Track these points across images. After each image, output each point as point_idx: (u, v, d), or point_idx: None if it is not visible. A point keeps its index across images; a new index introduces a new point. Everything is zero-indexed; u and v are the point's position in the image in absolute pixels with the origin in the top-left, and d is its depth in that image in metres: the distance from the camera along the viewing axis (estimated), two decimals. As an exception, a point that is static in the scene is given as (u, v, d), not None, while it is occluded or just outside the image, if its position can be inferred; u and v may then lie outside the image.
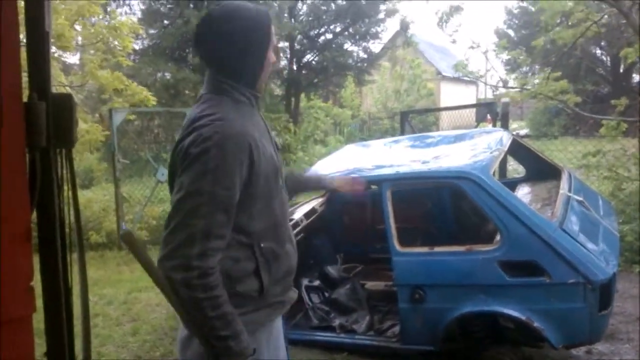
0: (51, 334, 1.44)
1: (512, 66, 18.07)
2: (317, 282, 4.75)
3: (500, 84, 8.93)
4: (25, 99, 1.29)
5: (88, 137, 8.15)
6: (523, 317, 3.18)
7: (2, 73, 1.13)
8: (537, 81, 8.02)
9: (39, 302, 1.36)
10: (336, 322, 4.12)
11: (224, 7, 1.69)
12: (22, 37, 1.31)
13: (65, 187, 1.58)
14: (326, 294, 4.60)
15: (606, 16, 7.46)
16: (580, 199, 3.71)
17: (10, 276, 1.14)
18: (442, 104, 24.22)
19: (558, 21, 7.35)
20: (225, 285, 1.59)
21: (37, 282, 1.29)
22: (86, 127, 8.52)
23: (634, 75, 21.06)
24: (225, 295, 1.57)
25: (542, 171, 4.44)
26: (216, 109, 1.64)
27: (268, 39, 1.70)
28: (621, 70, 21.04)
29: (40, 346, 1.40)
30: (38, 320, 1.36)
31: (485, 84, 9.76)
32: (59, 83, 8.43)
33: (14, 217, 1.15)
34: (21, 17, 1.32)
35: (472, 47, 8.54)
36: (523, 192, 4.21)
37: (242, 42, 1.65)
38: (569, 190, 3.77)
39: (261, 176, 1.65)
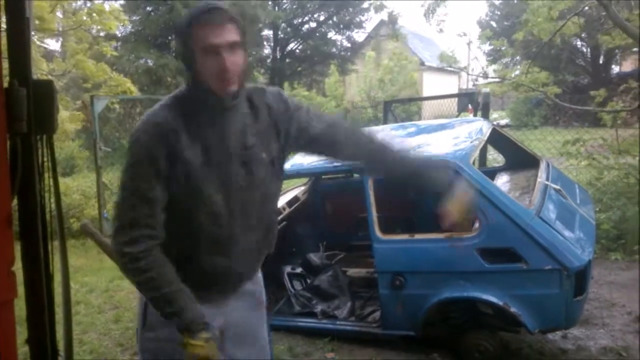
0: (32, 321, 1.45)
1: (494, 57, 18.20)
2: (299, 270, 4.79)
3: (482, 75, 8.99)
4: (5, 85, 1.29)
5: (69, 125, 8.07)
6: (501, 303, 3.24)
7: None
8: (517, 72, 8.09)
9: (21, 290, 1.37)
10: (318, 309, 4.17)
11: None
12: (2, 23, 1.30)
13: (46, 174, 1.58)
14: (308, 281, 4.64)
15: (587, 8, 7.54)
16: (558, 187, 3.78)
17: (-9, 261, 1.15)
18: (425, 94, 24.31)
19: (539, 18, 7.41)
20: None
21: (18, 270, 1.30)
22: (67, 114, 8.44)
23: (613, 66, 21.33)
24: (165, 276, 1.64)
25: (521, 160, 4.50)
26: (159, 106, 1.69)
27: (190, 40, 1.60)
28: (601, 62, 21.29)
29: (21, 334, 1.41)
30: (20, 308, 1.37)
31: (468, 74, 9.81)
32: (40, 70, 8.32)
33: (-5, 202, 1.16)
34: (1, 3, 1.32)
35: (460, 36, 8.62)
36: (502, 181, 4.28)
37: (177, 43, 1.73)
38: (547, 179, 3.84)
39: (179, 181, 1.64)
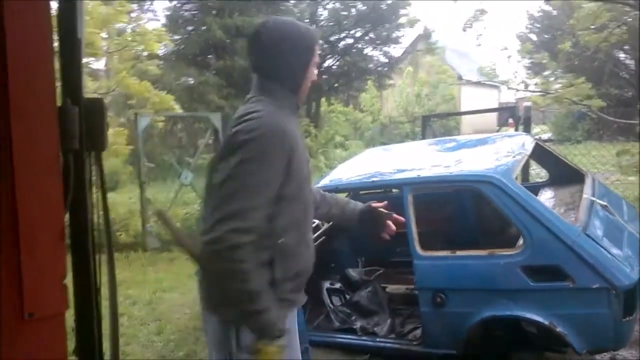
0: (81, 332, 1.49)
1: (534, 70, 17.90)
2: (338, 285, 4.77)
3: (524, 87, 8.85)
4: (59, 104, 1.34)
5: (113, 141, 8.31)
6: (546, 322, 3.15)
7: (36, 79, 1.18)
8: (559, 85, 7.93)
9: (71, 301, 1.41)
10: (357, 325, 4.14)
11: (277, 21, 1.91)
12: (56, 43, 1.36)
13: (94, 189, 1.63)
14: (347, 297, 4.61)
15: (630, 19, 7.35)
16: (605, 203, 3.68)
17: (45, 275, 1.19)
18: (463, 109, 24.06)
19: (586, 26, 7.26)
20: None
21: (69, 282, 1.34)
22: (111, 131, 8.69)
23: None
24: (257, 273, 1.67)
25: (565, 175, 4.40)
26: (263, 107, 1.79)
27: (312, 54, 1.87)
28: (646, 74, 20.68)
29: (69, 342, 1.45)
30: (67, 318, 1.40)
31: (509, 88, 9.67)
32: (86, 89, 8.60)
33: (49, 217, 1.20)
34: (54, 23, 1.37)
35: (501, 50, 8.52)
36: (546, 197, 4.18)
37: (291, 53, 1.82)
38: (593, 195, 3.73)
39: (294, 177, 1.76)
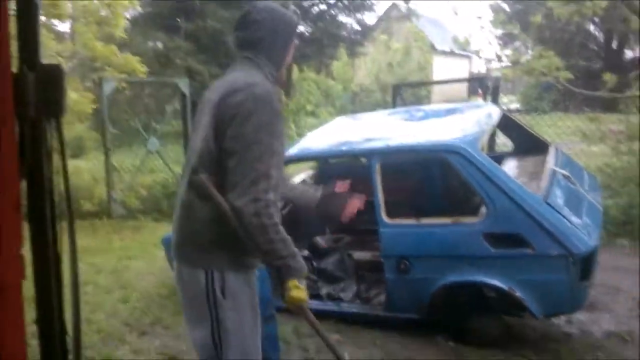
0: (41, 302, 1.47)
1: (505, 41, 17.98)
2: (305, 252, 4.81)
3: (495, 59, 8.89)
4: (14, 70, 1.29)
5: (78, 107, 8.10)
6: (506, 288, 3.26)
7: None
8: (529, 57, 7.98)
9: (29, 271, 1.39)
10: (324, 291, 4.20)
11: (266, 4, 2.09)
12: (11, 7, 1.30)
13: (55, 157, 1.60)
14: (314, 264, 4.66)
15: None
16: (566, 173, 3.77)
17: (1, 244, 1.17)
18: (435, 78, 24.13)
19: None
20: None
21: (27, 251, 1.32)
22: (76, 96, 8.47)
23: (626, 51, 21.02)
24: (280, 225, 1.88)
25: (530, 146, 4.48)
26: (256, 76, 1.98)
27: (293, 36, 2.11)
28: (614, 47, 21.00)
29: (30, 314, 1.44)
30: (28, 289, 1.39)
31: (480, 57, 9.70)
32: (49, 51, 8.33)
33: (4, 186, 1.17)
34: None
35: (478, 18, 8.49)
36: (510, 166, 4.26)
37: (277, 32, 2.04)
38: (555, 165, 3.82)
39: (283, 139, 1.96)
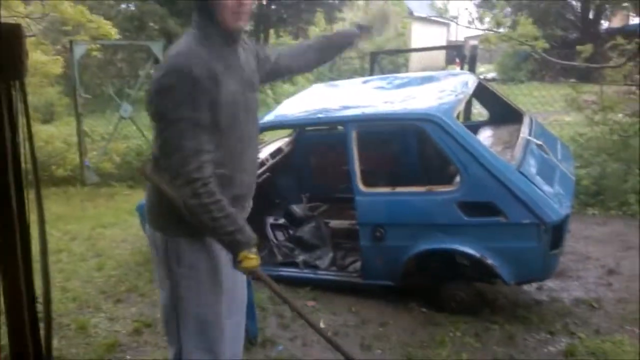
0: (7, 271, 1.44)
1: (483, 8, 17.91)
2: (282, 220, 4.82)
3: (472, 25, 8.84)
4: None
5: (47, 69, 7.87)
6: (478, 255, 3.31)
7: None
8: (508, 25, 7.95)
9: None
10: (300, 259, 4.22)
11: None
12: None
13: (21, 121, 1.54)
14: (291, 232, 4.68)
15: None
16: (540, 142, 3.80)
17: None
18: (413, 45, 24.00)
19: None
20: None
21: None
22: (46, 59, 8.22)
23: (602, 21, 21.12)
24: (225, 199, 1.83)
25: (505, 115, 4.50)
26: (185, 44, 1.83)
27: None
28: (590, 17, 21.07)
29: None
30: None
31: (458, 24, 9.64)
32: (17, 13, 8.03)
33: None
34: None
35: None
36: (485, 135, 4.28)
37: None
38: (529, 134, 3.85)
39: (222, 107, 1.82)
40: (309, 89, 5.28)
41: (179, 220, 1.89)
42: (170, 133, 1.76)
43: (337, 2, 22.44)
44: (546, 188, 3.32)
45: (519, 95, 7.93)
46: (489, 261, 3.29)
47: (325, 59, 2.57)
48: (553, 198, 3.27)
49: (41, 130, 8.92)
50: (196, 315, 2.02)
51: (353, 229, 4.03)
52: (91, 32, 8.31)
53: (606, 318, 3.44)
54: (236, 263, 1.90)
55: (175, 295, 2.02)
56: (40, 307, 1.69)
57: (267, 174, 4.49)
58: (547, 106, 7.46)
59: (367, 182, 3.60)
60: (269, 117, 4.21)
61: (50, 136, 8.73)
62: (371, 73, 7.13)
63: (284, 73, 2.43)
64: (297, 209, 4.92)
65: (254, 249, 1.91)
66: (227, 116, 1.85)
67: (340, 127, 4.47)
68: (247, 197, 2.11)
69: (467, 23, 7.68)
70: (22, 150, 1.53)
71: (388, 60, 18.08)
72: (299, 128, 5.13)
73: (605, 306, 3.59)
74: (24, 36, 1.38)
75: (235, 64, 1.92)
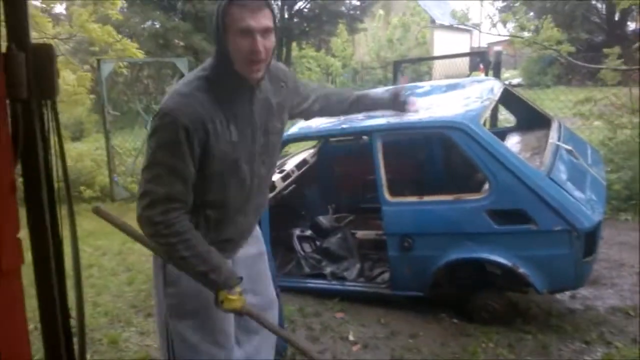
0: (42, 286, 1.46)
1: (506, 13, 17.78)
2: (308, 232, 4.81)
3: (496, 32, 8.78)
4: (3, 50, 1.26)
5: (76, 89, 8.04)
6: (509, 264, 3.25)
7: (-22, 23, 1.10)
8: (532, 28, 7.87)
9: (29, 256, 1.38)
10: (327, 270, 4.21)
11: None
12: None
13: (53, 139, 1.57)
14: (318, 243, 4.67)
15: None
16: (569, 148, 3.73)
17: (-3, 228, 1.15)
18: (436, 53, 23.90)
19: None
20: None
21: (25, 237, 1.30)
22: (74, 77, 8.39)
23: (629, 23, 20.77)
24: (197, 239, 1.78)
25: (532, 120, 4.44)
26: (187, 87, 1.74)
27: (224, 23, 1.67)
28: (616, 19, 20.74)
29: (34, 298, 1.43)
30: (31, 272, 1.38)
31: (481, 32, 9.58)
32: (46, 34, 8.24)
33: (-2, 169, 1.15)
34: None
35: None
36: (513, 142, 4.23)
37: (212, 25, 1.73)
38: (558, 140, 3.79)
39: (214, 157, 1.75)
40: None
41: None
42: (147, 174, 1.74)
43: (358, 13, 22.55)
44: (577, 194, 3.26)
45: (546, 100, 7.83)
46: (521, 270, 3.24)
47: (351, 113, 2.56)
48: (585, 204, 3.21)
49: (71, 149, 9.11)
50: (181, 336, 1.98)
51: (380, 239, 4.01)
52: (118, 53, 8.48)
53: (643, 326, 3.35)
54: (217, 303, 1.83)
55: (165, 314, 2.01)
56: (73, 322, 1.71)
57: (293, 185, 4.51)
58: (575, 110, 7.33)
59: (394, 192, 3.58)
60: (293, 129, 4.22)
61: (80, 154, 8.91)
62: (394, 82, 7.12)
63: (312, 115, 2.39)
64: (324, 220, 4.91)
65: (236, 289, 1.83)
66: (222, 164, 1.77)
67: (365, 137, 4.47)
68: (243, 238, 2.06)
69: (489, 29, 7.64)
70: (54, 168, 1.55)
71: (411, 69, 18.05)
72: (324, 139, 5.14)
73: (641, 314, 3.50)
74: (55, 56, 1.41)
75: (244, 111, 1.81)
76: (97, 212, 1.89)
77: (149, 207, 1.71)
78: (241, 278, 1.87)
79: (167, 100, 1.72)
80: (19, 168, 1.38)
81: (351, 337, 3.46)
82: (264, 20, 1.66)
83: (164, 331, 2.04)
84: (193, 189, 1.77)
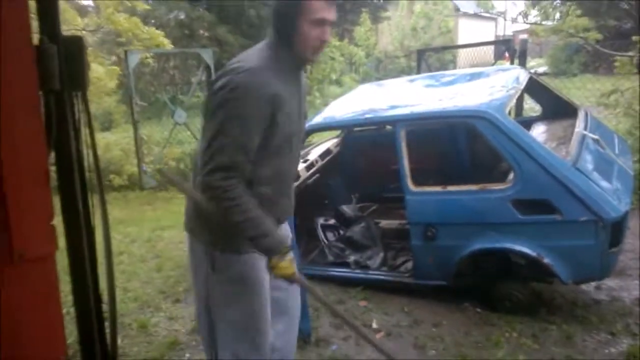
0: (75, 272, 1.52)
1: (532, 1, 17.43)
2: (332, 221, 4.84)
3: (521, 19, 8.62)
4: (35, 43, 1.30)
5: (105, 80, 8.18)
6: (534, 254, 3.24)
7: (10, 17, 1.14)
8: (558, 16, 7.72)
9: (62, 243, 1.43)
10: (351, 259, 4.23)
11: None
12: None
13: (84, 130, 1.62)
14: (341, 232, 4.69)
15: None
16: (596, 137, 3.68)
17: (31, 216, 1.20)
18: (460, 42, 23.58)
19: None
20: None
21: (59, 224, 1.35)
22: (103, 69, 8.54)
23: (660, 9, 20.16)
24: (250, 205, 1.86)
25: (558, 109, 4.38)
26: (252, 59, 1.86)
27: (300, 8, 1.82)
28: (647, 4, 20.15)
29: (69, 284, 1.49)
30: (64, 259, 1.43)
31: (506, 19, 9.42)
32: (74, 26, 8.38)
33: (32, 159, 1.19)
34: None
35: None
36: (538, 131, 4.18)
37: (279, 10, 1.88)
38: (585, 129, 3.73)
39: (279, 132, 1.88)
40: (356, 90, 5.29)
41: (213, 232, 1.99)
42: (213, 142, 1.82)
43: (381, 1, 22.35)
44: (604, 184, 3.21)
45: (572, 88, 7.70)
46: (546, 260, 3.21)
47: None
48: (611, 194, 3.16)
49: (100, 139, 9.28)
50: (229, 322, 2.07)
51: (403, 228, 4.01)
52: (145, 43, 8.58)
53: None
54: (269, 269, 1.93)
55: (210, 303, 2.07)
56: (104, 307, 1.77)
57: (317, 175, 4.53)
58: (602, 99, 7.19)
59: (417, 181, 3.58)
60: (317, 119, 4.24)
61: (109, 144, 9.07)
62: (418, 71, 7.07)
63: None
64: (347, 209, 4.93)
65: (287, 256, 1.92)
66: (280, 138, 1.90)
67: (388, 127, 4.47)
68: (284, 220, 2.18)
69: (515, 17, 7.52)
70: (85, 158, 1.60)
71: (435, 58, 17.83)
72: (347, 129, 5.15)
73: (668, 305, 3.45)
74: (85, 48, 1.45)
75: (296, 90, 1.98)
76: (161, 174, 2.03)
77: (210, 173, 1.81)
78: (291, 246, 1.96)
79: (233, 75, 1.80)
80: (52, 157, 1.43)
81: (374, 325, 3.48)
82: (334, 13, 1.87)
83: (206, 317, 2.12)
84: (252, 162, 1.87)
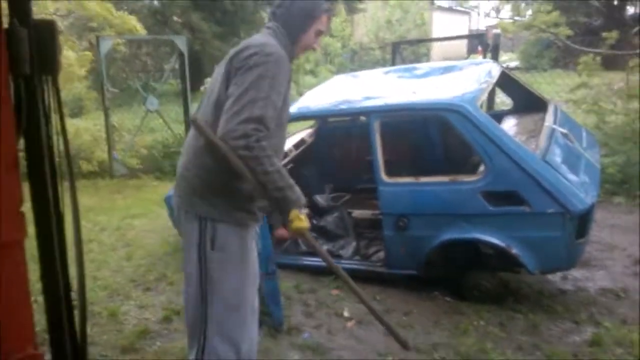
0: (44, 259, 1.50)
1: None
2: (305, 211, 4.84)
3: (494, 13, 8.72)
4: (5, 26, 1.28)
5: (76, 66, 8.01)
6: (502, 244, 3.30)
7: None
8: (530, 12, 7.84)
9: (32, 230, 1.41)
10: (324, 248, 4.25)
11: None
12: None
13: (54, 115, 1.59)
14: (314, 222, 4.71)
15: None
16: (565, 131, 3.76)
17: (1, 202, 1.18)
18: (435, 35, 23.72)
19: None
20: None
21: (28, 211, 1.33)
22: (74, 55, 8.36)
23: (627, 7, 20.60)
24: (276, 158, 1.98)
25: (529, 104, 4.46)
26: (271, 40, 2.10)
27: (314, 19, 2.16)
28: (615, 2, 20.57)
29: (37, 272, 1.46)
30: (33, 247, 1.41)
31: (479, 14, 9.52)
32: (46, 11, 8.18)
33: (1, 144, 1.17)
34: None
35: None
36: (509, 124, 4.25)
37: (300, 11, 2.15)
38: (554, 123, 3.81)
39: (286, 107, 2.09)
40: (331, 80, 5.29)
41: (222, 203, 2.05)
42: (245, 96, 1.91)
43: (358, -8, 22.27)
44: (571, 177, 3.29)
45: (543, 83, 7.83)
46: (514, 250, 3.29)
47: None
48: (578, 187, 3.25)
49: (70, 125, 9.09)
50: (223, 299, 2.10)
51: (376, 218, 4.05)
52: (117, 28, 8.42)
53: (633, 308, 3.41)
54: (287, 222, 1.99)
55: (207, 279, 2.09)
56: (74, 296, 1.75)
57: (291, 165, 4.53)
58: (567, 97, 7.35)
59: (390, 172, 3.61)
60: (292, 109, 4.22)
61: (78, 130, 8.89)
62: (393, 63, 7.11)
63: None
64: (321, 199, 4.94)
65: (304, 211, 2.02)
66: (285, 114, 2.10)
67: (363, 118, 4.49)
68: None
69: (487, 12, 7.60)
70: (55, 143, 1.57)
71: (410, 51, 17.91)
72: (322, 119, 5.15)
73: (631, 296, 3.56)
74: (58, 33, 1.42)
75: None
76: (194, 121, 2.04)
77: (244, 122, 1.89)
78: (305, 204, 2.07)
79: (264, 46, 2.00)
80: (21, 143, 1.40)
81: (346, 314, 3.51)
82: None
83: (197, 297, 2.13)
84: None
